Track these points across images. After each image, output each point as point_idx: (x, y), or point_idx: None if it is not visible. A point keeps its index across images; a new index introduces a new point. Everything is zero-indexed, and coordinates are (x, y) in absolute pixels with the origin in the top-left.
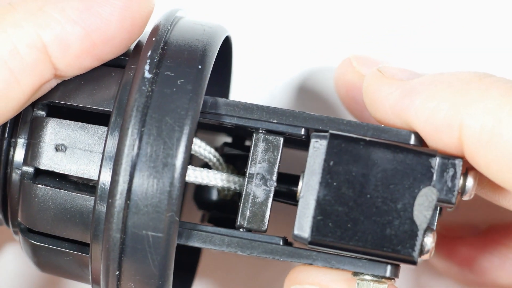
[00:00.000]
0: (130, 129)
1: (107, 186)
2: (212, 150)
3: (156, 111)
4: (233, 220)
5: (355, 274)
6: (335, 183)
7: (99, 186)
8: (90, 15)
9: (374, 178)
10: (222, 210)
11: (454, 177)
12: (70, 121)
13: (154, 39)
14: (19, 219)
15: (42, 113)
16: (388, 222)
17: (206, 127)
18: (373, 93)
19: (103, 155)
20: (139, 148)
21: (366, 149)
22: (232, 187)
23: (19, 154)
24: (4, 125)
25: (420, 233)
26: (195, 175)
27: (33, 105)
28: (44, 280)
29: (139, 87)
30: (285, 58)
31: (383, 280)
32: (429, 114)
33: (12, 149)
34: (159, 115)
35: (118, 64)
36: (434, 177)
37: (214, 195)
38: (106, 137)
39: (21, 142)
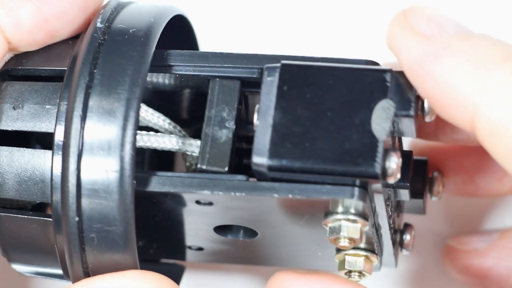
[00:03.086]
0: (81, 71)
1: (62, 133)
2: (163, 116)
3: (108, 54)
4: None
5: (327, 214)
6: (290, 106)
7: (55, 135)
8: None
9: (329, 98)
10: None
11: (410, 88)
12: (28, 82)
13: (107, 2)
14: None
15: None
16: (347, 137)
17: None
18: (395, 43)
19: (59, 106)
20: (90, 87)
21: (319, 72)
22: (190, 150)
23: None
24: None
25: (380, 144)
26: (146, 139)
27: None
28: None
29: (91, 34)
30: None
31: (357, 219)
32: (446, 89)
33: None
34: (111, 57)
35: (76, 36)
36: (390, 91)
37: None
38: (62, 89)
39: None
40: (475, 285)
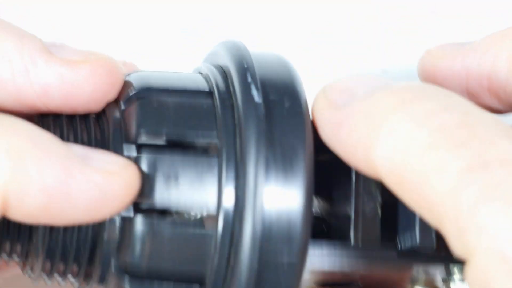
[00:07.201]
0: (253, 155)
1: (229, 215)
2: None
3: (276, 134)
4: None
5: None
6: None
7: (222, 216)
8: (60, 189)
9: None
10: None
11: None
12: (174, 155)
13: (246, 65)
14: (114, 267)
15: (134, 153)
16: None
17: None
18: (316, 118)
19: (220, 184)
20: (266, 172)
21: None
22: (318, 211)
23: None
24: None
25: None
26: None
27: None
28: None
29: (254, 111)
30: None
31: None
32: (350, 150)
33: None
34: (279, 138)
35: (196, 96)
36: None
37: None
38: (221, 166)
39: None
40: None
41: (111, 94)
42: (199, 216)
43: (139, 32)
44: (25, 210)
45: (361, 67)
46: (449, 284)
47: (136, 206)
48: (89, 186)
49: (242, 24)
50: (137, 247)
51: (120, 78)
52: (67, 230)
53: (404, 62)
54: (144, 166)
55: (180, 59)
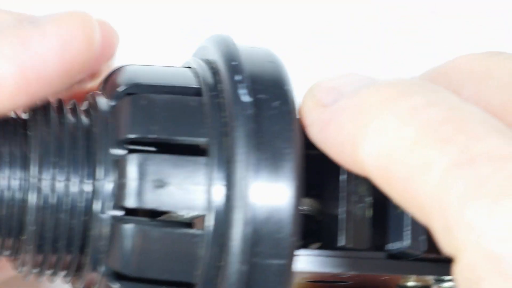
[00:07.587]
0: (243, 155)
1: (218, 215)
2: None
3: (265, 135)
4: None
5: (437, 281)
6: None
7: (212, 216)
8: (24, 51)
9: None
10: None
11: None
12: (164, 155)
13: (235, 63)
14: (104, 267)
15: (123, 151)
16: None
17: None
18: (304, 117)
19: (210, 184)
20: (256, 172)
21: None
22: (307, 209)
23: (105, 197)
24: (74, 169)
25: None
26: None
27: (109, 143)
28: None
29: (243, 111)
30: None
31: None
32: (338, 150)
33: (94, 193)
34: (268, 138)
35: (185, 93)
36: None
37: None
38: (210, 165)
39: (106, 184)
40: None
41: (90, 38)
42: (188, 216)
43: (139, 32)
44: (6, 95)
45: (361, 67)
46: (441, 279)
47: (125, 206)
48: (50, 42)
49: (242, 24)
50: (127, 247)
51: (93, 22)
52: (59, 227)
53: (404, 62)
54: (133, 165)
55: (180, 59)
